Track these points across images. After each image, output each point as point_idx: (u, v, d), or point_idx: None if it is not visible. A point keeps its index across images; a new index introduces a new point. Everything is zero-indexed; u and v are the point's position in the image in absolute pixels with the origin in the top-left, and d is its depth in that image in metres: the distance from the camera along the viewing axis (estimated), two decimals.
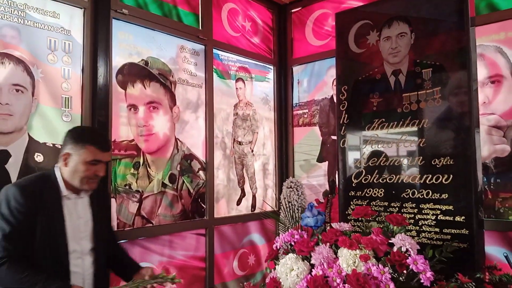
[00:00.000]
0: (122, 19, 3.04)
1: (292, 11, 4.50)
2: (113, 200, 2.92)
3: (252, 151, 4.21)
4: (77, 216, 2.05)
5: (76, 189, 2.01)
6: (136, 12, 3.12)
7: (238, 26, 4.13)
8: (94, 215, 2.13)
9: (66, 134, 2.07)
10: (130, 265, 2.23)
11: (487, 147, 3.07)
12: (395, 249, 1.62)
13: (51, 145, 2.61)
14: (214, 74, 3.78)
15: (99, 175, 1.99)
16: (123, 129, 3.02)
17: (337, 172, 2.72)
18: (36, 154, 2.54)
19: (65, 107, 2.70)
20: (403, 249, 1.61)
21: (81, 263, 2.02)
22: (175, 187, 3.37)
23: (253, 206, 4.20)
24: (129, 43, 3.12)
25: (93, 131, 2.08)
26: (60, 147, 2.61)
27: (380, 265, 1.57)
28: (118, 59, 3.03)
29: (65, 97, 2.71)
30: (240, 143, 4.09)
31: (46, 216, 1.88)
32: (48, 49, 2.64)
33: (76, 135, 2.01)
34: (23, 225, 1.83)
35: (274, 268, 1.80)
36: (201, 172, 3.61)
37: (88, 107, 2.80)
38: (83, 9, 2.82)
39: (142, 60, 3.20)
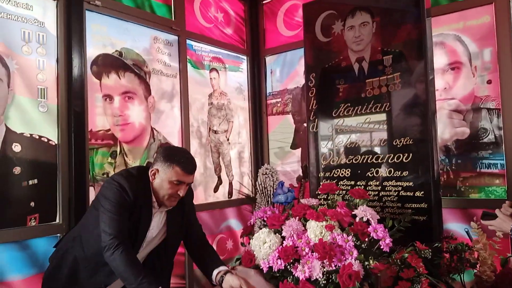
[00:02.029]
0: (95, 11, 3.09)
1: (264, 2, 4.60)
2: (91, 189, 2.98)
3: (228, 139, 4.32)
4: (151, 226, 2.15)
5: (159, 203, 2.13)
6: (109, 3, 3.17)
7: (211, 17, 4.21)
8: (168, 231, 2.23)
9: (159, 151, 2.19)
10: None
11: (448, 130, 3.27)
12: (357, 219, 1.77)
13: (29, 135, 2.66)
14: (188, 64, 3.86)
15: (180, 195, 2.09)
16: (99, 118, 3.08)
17: (308, 155, 2.86)
18: (14, 144, 2.58)
19: (41, 98, 2.74)
20: (365, 219, 1.76)
21: None
22: None
23: (230, 193, 4.31)
24: (103, 34, 3.17)
25: (183, 153, 2.20)
26: (38, 137, 2.70)
27: (344, 235, 1.72)
28: (93, 50, 3.08)
29: (41, 88, 2.75)
30: (215, 132, 4.19)
31: (137, 216, 2.04)
32: (22, 40, 2.67)
33: (166, 155, 2.10)
34: (125, 215, 1.99)
35: (249, 243, 1.93)
36: None
37: (64, 97, 2.84)
38: (56, 1, 2.86)
39: (116, 51, 3.25)
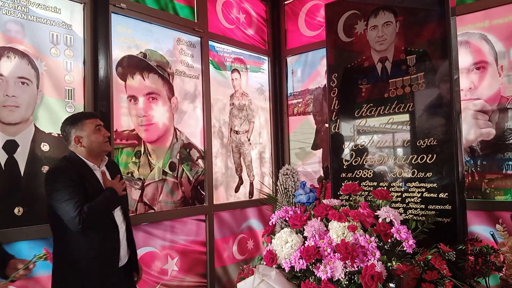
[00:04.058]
0: (121, 13, 3.16)
1: (285, 2, 4.62)
2: None
3: (249, 140, 4.35)
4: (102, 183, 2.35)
5: (97, 161, 2.33)
6: (133, 6, 3.23)
7: (233, 18, 4.24)
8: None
9: (63, 128, 2.32)
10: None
11: (473, 131, 3.22)
12: (380, 220, 1.75)
13: (56, 135, 2.74)
14: (210, 66, 3.90)
15: (107, 135, 2.36)
16: (124, 119, 3.15)
17: (329, 156, 2.86)
18: (42, 143, 2.66)
19: (68, 99, 2.82)
20: (388, 220, 1.74)
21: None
22: (175, 175, 3.51)
23: (251, 193, 4.34)
24: (128, 36, 3.24)
25: (77, 113, 2.49)
26: None
27: (367, 235, 1.71)
28: (118, 52, 3.15)
29: (68, 89, 2.83)
30: (237, 132, 4.22)
31: (89, 184, 2.22)
32: (50, 43, 2.76)
33: (71, 121, 2.31)
34: (77, 191, 2.14)
35: (271, 242, 1.94)
36: (200, 160, 3.74)
37: (90, 98, 2.92)
38: (83, 4, 2.94)
39: (141, 52, 3.31)
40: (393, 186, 2.46)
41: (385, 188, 2.44)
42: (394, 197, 2.43)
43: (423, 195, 2.35)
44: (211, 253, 3.76)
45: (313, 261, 1.71)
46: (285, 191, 3.44)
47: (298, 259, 1.74)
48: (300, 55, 4.51)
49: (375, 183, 2.55)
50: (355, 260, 1.65)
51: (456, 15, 2.56)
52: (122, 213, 2.41)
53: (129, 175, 3.16)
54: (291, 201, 3.37)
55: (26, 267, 1.88)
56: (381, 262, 1.64)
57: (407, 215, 2.38)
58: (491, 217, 3.10)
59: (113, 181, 2.36)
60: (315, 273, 1.70)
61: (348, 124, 2.72)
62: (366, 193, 2.47)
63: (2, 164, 2.49)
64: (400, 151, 2.48)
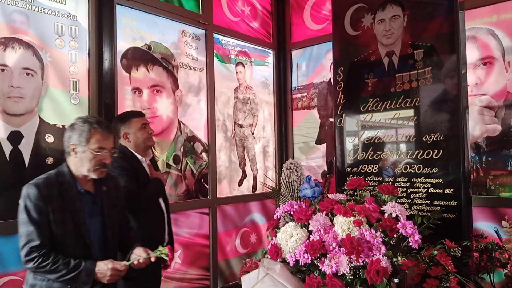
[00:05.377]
0: (126, 5, 3.14)
1: None
2: None
3: (253, 133, 4.34)
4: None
5: (143, 154, 2.54)
6: None
7: (238, 11, 4.21)
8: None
9: (113, 125, 2.52)
10: None
11: (479, 126, 3.20)
12: (386, 215, 1.74)
13: (61, 127, 2.73)
14: (215, 58, 3.88)
15: (151, 132, 2.56)
16: None
17: (334, 150, 2.85)
18: (47, 135, 2.66)
19: (73, 90, 2.81)
20: (394, 215, 1.73)
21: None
22: (179, 168, 3.51)
23: (254, 187, 4.33)
24: (133, 28, 3.22)
25: (127, 111, 2.72)
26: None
27: (372, 230, 1.70)
28: (122, 44, 3.14)
29: (73, 80, 2.82)
30: (240, 126, 4.21)
31: (140, 174, 2.46)
32: (55, 34, 2.75)
33: (120, 119, 2.54)
34: (132, 179, 2.39)
35: (275, 236, 1.93)
36: (203, 154, 3.74)
37: (95, 90, 2.91)
38: None
39: (145, 44, 3.30)
40: (398, 181, 2.45)
41: (390, 183, 2.43)
42: (399, 192, 2.42)
43: (429, 191, 2.34)
44: (214, 246, 3.77)
45: (318, 255, 1.71)
46: (289, 185, 3.44)
47: (303, 253, 1.73)
48: (305, 49, 4.49)
49: (380, 178, 2.54)
50: (360, 255, 1.65)
51: (464, 9, 2.53)
52: (163, 201, 2.64)
53: None
54: (294, 195, 3.37)
55: (148, 257, 1.93)
56: (386, 257, 1.64)
57: (412, 211, 2.37)
58: (496, 213, 3.08)
59: (158, 172, 2.63)
60: (320, 268, 1.69)
61: (354, 119, 2.70)
62: (371, 188, 2.46)
63: (7, 155, 2.49)
64: (405, 146, 2.47)
